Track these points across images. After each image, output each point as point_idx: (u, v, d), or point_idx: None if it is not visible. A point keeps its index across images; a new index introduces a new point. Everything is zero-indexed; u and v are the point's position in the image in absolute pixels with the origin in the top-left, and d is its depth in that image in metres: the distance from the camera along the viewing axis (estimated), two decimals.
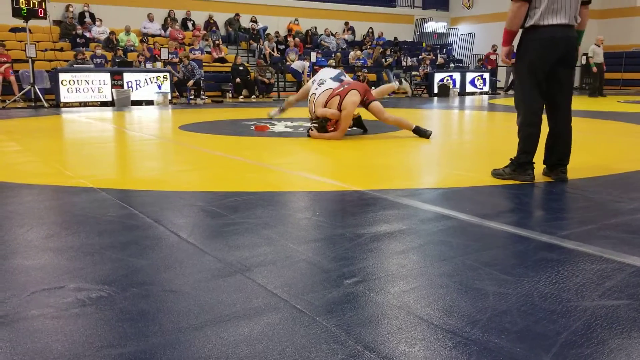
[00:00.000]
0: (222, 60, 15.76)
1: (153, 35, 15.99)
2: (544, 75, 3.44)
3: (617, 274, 1.86)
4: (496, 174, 3.62)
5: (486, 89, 18.01)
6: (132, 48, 14.73)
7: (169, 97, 12.39)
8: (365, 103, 5.90)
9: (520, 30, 3.47)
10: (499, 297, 1.67)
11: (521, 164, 3.50)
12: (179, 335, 1.44)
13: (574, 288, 1.74)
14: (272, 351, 1.36)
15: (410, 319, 1.54)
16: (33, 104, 11.34)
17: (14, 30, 14.38)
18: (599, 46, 15.12)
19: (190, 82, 12.97)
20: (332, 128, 5.67)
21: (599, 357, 1.33)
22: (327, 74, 6.31)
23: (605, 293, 1.70)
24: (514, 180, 3.50)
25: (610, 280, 1.81)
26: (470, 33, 22.68)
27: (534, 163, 3.51)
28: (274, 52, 17.11)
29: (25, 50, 11.57)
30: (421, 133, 5.80)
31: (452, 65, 19.69)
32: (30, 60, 11.26)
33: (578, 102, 13.31)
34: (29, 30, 11.76)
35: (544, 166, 3.64)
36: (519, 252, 2.10)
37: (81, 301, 1.66)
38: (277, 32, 18.33)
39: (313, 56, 15.79)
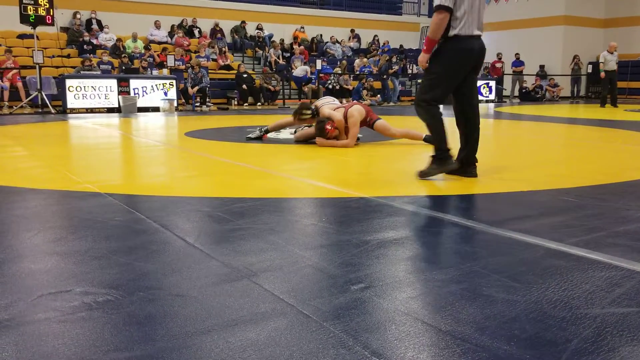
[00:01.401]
0: (227, 67, 15.83)
1: (159, 43, 16.08)
2: (460, 81, 3.76)
3: (626, 282, 1.84)
4: (424, 174, 3.81)
5: (492, 97, 18.00)
6: (139, 55, 14.81)
7: (175, 104, 12.43)
8: (369, 123, 5.95)
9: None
10: (508, 304, 1.66)
11: (440, 157, 3.78)
12: (186, 339, 1.43)
13: (583, 295, 1.73)
14: (280, 356, 1.35)
15: (418, 325, 1.53)
16: (40, 110, 11.40)
17: (22, 36, 14.50)
18: (612, 53, 14.13)
19: (195, 89, 13.01)
20: (332, 130, 5.65)
21: None
22: (327, 99, 6.37)
23: (615, 300, 1.69)
24: (443, 172, 3.81)
25: (620, 287, 1.79)
26: None
27: (450, 150, 3.80)
28: (279, 59, 17.16)
29: (32, 57, 11.64)
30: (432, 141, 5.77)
31: None
32: (37, 66, 11.33)
33: (586, 111, 13.28)
34: (37, 36, 11.85)
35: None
36: (527, 259, 2.09)
37: (88, 305, 1.65)
38: (282, 40, 18.40)
39: (319, 64, 15.84)
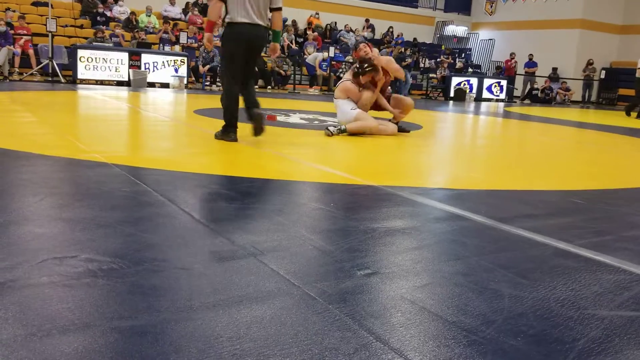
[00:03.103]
0: None
1: (173, 19, 15.98)
2: (241, 60, 4.56)
3: (635, 286, 1.82)
4: (215, 135, 4.68)
5: (502, 96, 17.90)
6: (152, 29, 14.73)
7: (185, 82, 12.39)
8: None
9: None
10: (515, 300, 1.64)
11: (226, 129, 4.63)
12: (191, 312, 1.42)
13: (591, 296, 1.71)
14: (285, 335, 1.34)
15: (424, 315, 1.51)
16: (50, 79, 11.37)
17: (36, 4, 14.42)
18: None
19: (206, 68, 12.96)
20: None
21: None
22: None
23: (623, 304, 1.67)
24: (223, 140, 4.58)
25: (628, 291, 1.77)
26: (491, 39, 22.53)
27: (237, 128, 4.63)
28: (292, 44, 17.06)
29: (45, 25, 11.59)
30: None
31: (470, 70, 19.57)
32: (50, 34, 11.29)
33: (598, 116, 13.19)
34: (51, 5, 11.79)
35: (251, 125, 4.57)
36: (535, 257, 2.07)
37: (93, 272, 1.64)
38: (294, 21, 18.27)
39: (331, 51, 15.74)
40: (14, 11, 13.14)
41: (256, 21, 4.49)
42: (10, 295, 1.46)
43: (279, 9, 4.68)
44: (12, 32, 12.01)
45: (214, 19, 4.62)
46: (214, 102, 8.92)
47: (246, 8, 4.44)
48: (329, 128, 5.44)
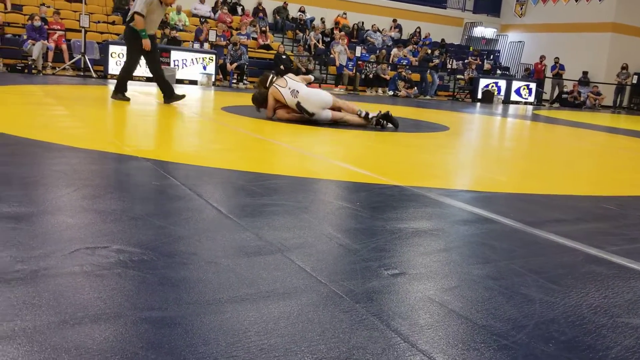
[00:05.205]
0: (267, 47, 15.82)
1: (203, 17, 16.13)
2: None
3: None
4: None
5: (531, 99, 17.67)
6: (182, 27, 14.88)
7: (213, 79, 12.49)
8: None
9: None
10: (546, 305, 1.62)
11: (119, 89, 7.01)
12: (219, 305, 1.43)
13: (625, 304, 1.67)
14: (312, 332, 1.34)
15: (453, 317, 1.50)
16: (82, 73, 11.57)
17: (70, 0, 14.69)
18: None
19: (234, 65, 13.04)
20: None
21: None
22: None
23: None
24: (118, 99, 6.96)
25: None
26: (520, 41, 22.26)
27: (126, 90, 7.02)
28: (319, 43, 17.08)
29: (79, 21, 11.79)
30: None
31: (498, 72, 19.36)
32: (83, 30, 11.48)
33: (630, 122, 12.93)
34: (85, 1, 11.99)
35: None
36: (566, 263, 2.03)
37: (124, 262, 1.66)
38: (323, 19, 18.28)
39: (358, 51, 15.72)
40: (48, 7, 13.40)
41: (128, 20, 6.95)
42: (44, 283, 1.48)
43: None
44: (46, 27, 12.25)
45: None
46: (241, 99, 8.97)
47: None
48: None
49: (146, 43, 6.75)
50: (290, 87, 5.86)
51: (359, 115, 6.06)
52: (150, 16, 6.84)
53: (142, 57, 7.15)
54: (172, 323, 1.32)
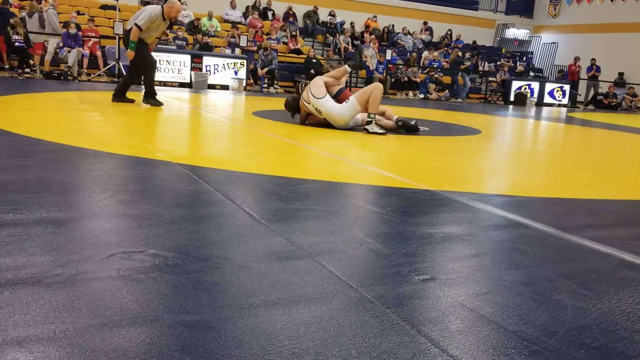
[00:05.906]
0: (297, 51, 15.91)
1: (234, 23, 16.32)
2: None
3: None
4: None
5: (565, 101, 17.35)
6: (214, 33, 15.09)
7: (244, 84, 12.63)
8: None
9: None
10: (578, 311, 1.60)
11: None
12: (252, 309, 1.46)
13: None
14: (343, 336, 1.36)
15: (484, 323, 1.50)
16: (116, 79, 11.82)
17: (104, 7, 15.06)
18: None
19: (265, 70, 13.16)
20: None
21: None
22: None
23: None
24: (153, 105, 7.23)
25: None
26: (554, 43, 21.89)
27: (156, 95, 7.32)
28: (348, 46, 17.10)
29: (113, 27, 12.07)
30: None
31: (531, 74, 19.06)
32: (117, 37, 11.74)
33: None
34: (118, 8, 12.27)
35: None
36: (599, 268, 2.01)
37: (159, 267, 1.71)
38: (352, 24, 18.30)
39: (388, 54, 15.69)
40: (82, 14, 13.74)
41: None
42: (82, 287, 1.54)
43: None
44: (81, 34, 12.57)
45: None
46: (272, 104, 9.05)
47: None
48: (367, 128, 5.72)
49: (130, 54, 7.13)
50: (314, 105, 5.91)
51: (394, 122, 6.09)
52: (149, 31, 7.15)
53: (142, 59, 7.28)
54: (206, 326, 1.36)
